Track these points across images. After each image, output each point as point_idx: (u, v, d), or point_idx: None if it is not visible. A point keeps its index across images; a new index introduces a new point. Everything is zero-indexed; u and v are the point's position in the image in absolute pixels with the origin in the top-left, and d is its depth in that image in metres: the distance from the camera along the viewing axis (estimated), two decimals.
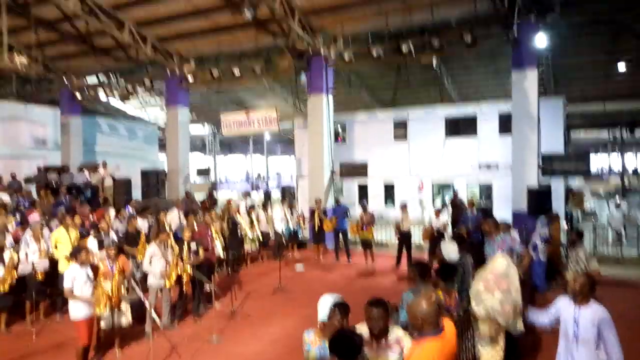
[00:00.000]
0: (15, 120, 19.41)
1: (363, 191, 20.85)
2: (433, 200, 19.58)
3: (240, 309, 8.28)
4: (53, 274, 7.72)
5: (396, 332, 3.26)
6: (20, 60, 12.35)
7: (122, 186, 14.77)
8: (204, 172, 27.92)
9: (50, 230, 8.37)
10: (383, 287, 9.79)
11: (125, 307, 6.21)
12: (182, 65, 16.67)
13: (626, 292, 9.11)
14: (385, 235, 14.27)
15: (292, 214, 13.40)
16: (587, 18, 13.53)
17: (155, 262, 7.19)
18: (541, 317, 4.21)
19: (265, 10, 12.70)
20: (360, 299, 3.54)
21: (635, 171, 39.43)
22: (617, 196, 18.33)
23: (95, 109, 22.79)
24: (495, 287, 4.41)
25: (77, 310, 5.69)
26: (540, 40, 11.56)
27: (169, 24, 14.95)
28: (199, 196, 16.95)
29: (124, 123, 24.62)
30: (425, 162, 19.50)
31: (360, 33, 14.21)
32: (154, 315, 6.24)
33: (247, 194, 16.65)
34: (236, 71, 15.62)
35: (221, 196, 21.12)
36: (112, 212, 10.40)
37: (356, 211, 14.10)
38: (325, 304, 3.47)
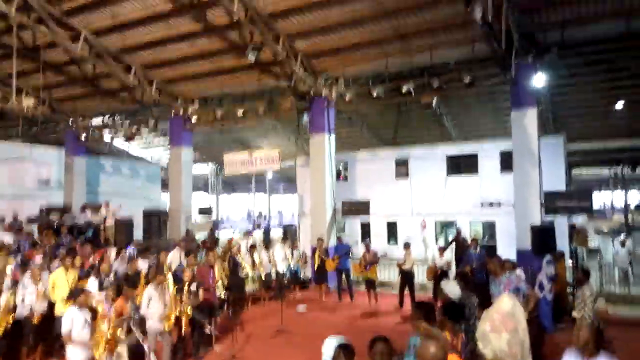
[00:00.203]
0: (20, 160, 19.59)
1: (365, 229, 20.74)
2: (436, 238, 19.44)
3: (241, 352, 8.08)
4: (50, 317, 7.57)
5: None
6: (28, 102, 12.60)
7: (124, 226, 14.76)
8: (205, 212, 27.88)
9: (51, 272, 8.27)
10: (387, 328, 9.57)
11: (122, 349, 6.08)
12: (186, 106, 17.00)
13: (638, 332, 8.90)
14: (388, 274, 14.09)
15: (293, 253, 13.29)
16: (585, 58, 13.83)
17: (153, 304, 7.05)
18: None
19: (268, 54, 13.04)
20: (364, 340, 3.48)
21: (638, 207, 39.26)
22: (622, 234, 18.17)
23: (99, 150, 23.05)
24: (502, 327, 4.32)
25: (75, 355, 5.57)
26: (538, 80, 11.77)
27: (174, 67, 15.34)
28: (201, 235, 16.88)
29: (127, 163, 24.83)
30: (428, 200, 19.48)
31: (361, 74, 14.53)
32: (153, 359, 6.10)
33: (248, 233, 16.58)
34: (239, 112, 15.92)
35: (223, 235, 21.01)
36: (113, 253, 10.33)
37: (359, 250, 13.99)
38: (329, 346, 3.41)
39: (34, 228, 14.62)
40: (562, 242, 14.49)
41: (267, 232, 18.59)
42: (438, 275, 10.74)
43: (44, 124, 20.43)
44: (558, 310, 9.25)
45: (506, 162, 16.10)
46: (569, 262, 12.80)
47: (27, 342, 7.36)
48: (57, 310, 7.53)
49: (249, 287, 12.05)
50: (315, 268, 12.73)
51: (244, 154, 17.60)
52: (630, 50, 12.90)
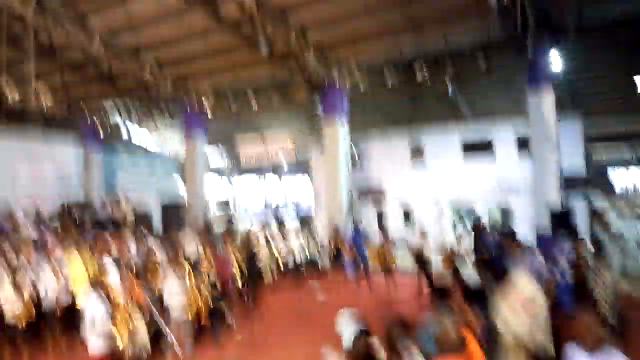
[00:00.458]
0: (39, 158, 19.98)
1: (381, 216, 20.73)
2: (453, 224, 19.34)
3: (260, 338, 8.20)
4: (72, 308, 7.78)
5: (415, 354, 3.23)
6: (46, 101, 12.81)
7: (143, 220, 15.00)
8: (222, 203, 28.11)
9: (71, 261, 8.45)
10: (403, 311, 9.62)
11: (140, 330, 6.16)
12: (201, 101, 17.12)
13: None
14: (405, 261, 14.08)
15: (310, 241, 13.36)
16: (603, 36, 13.53)
17: (174, 294, 7.19)
18: None
19: (281, 46, 13.01)
20: (382, 325, 3.52)
21: None
22: None
23: (116, 146, 23.35)
24: (522, 311, 4.33)
25: (97, 345, 5.67)
26: (555, 61, 11.58)
27: (188, 63, 15.44)
28: (219, 227, 17.06)
29: (144, 158, 25.11)
30: (443, 185, 19.35)
31: (375, 63, 14.42)
32: (176, 346, 6.23)
33: (266, 224, 16.71)
34: (254, 103, 15.98)
35: (240, 226, 21.21)
36: (132, 243, 10.51)
37: (375, 237, 14.01)
38: (346, 327, 3.46)
39: (56, 224, 14.95)
40: (582, 226, 14.33)
41: (281, 221, 18.61)
42: (455, 262, 10.70)
43: (62, 122, 20.75)
44: (578, 294, 9.16)
45: (523, 144, 15.90)
46: (589, 246, 12.65)
47: (51, 333, 7.59)
48: (79, 302, 7.71)
49: (267, 273, 12.15)
50: (332, 256, 12.79)
51: (259, 144, 17.67)
52: None
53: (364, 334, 3.38)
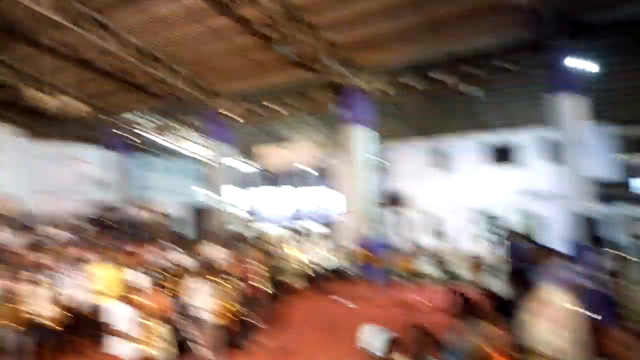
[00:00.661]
0: (70, 160, 20.51)
1: (405, 222, 20.53)
2: (481, 232, 19.03)
3: (286, 345, 8.20)
4: (99, 310, 7.89)
5: None
6: (78, 104, 13.14)
7: (172, 222, 15.20)
8: (247, 206, 28.35)
9: (100, 267, 8.62)
10: (430, 321, 9.49)
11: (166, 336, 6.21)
12: (224, 103, 17.30)
13: None
14: (431, 268, 13.92)
15: (336, 248, 13.33)
16: (633, 39, 13.14)
17: (201, 298, 7.25)
18: None
19: (302, 47, 13.05)
20: (406, 332, 3.49)
21: None
22: None
23: (145, 148, 23.80)
24: (554, 324, 4.22)
25: (121, 349, 5.71)
26: (583, 64, 11.30)
27: (209, 64, 15.55)
28: (244, 229, 17.19)
29: (172, 161, 25.54)
30: (471, 193, 19.08)
31: (397, 65, 14.33)
32: (203, 350, 6.27)
33: (292, 230, 16.76)
34: (276, 107, 16.07)
35: (266, 229, 21.31)
36: (159, 248, 10.66)
37: (401, 244, 13.89)
38: (375, 338, 3.43)
39: (88, 226, 15.29)
40: (616, 234, 13.93)
41: (307, 228, 18.64)
42: (482, 269, 10.53)
43: (88, 124, 21.24)
44: (613, 305, 8.90)
45: (552, 151, 15.59)
46: (621, 255, 12.28)
47: (78, 335, 7.73)
48: (106, 305, 7.84)
49: (292, 280, 12.16)
50: (358, 262, 12.73)
51: (282, 150, 17.77)
52: None
53: (394, 342, 3.35)
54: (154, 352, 6.03)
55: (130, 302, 5.93)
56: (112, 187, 20.71)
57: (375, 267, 12.56)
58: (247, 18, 12.55)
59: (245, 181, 38.12)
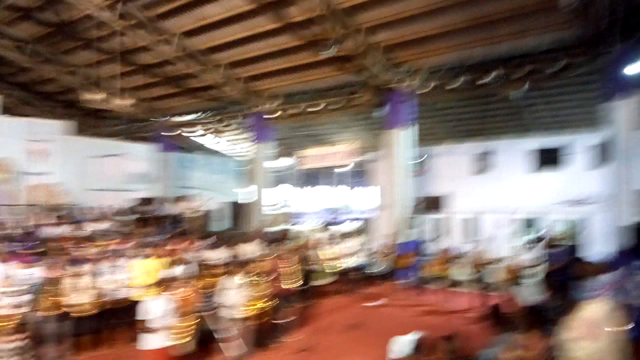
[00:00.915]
0: (117, 156, 21.37)
1: (443, 225, 20.19)
2: (518, 236, 18.48)
3: (313, 344, 8.24)
4: (135, 303, 8.14)
5: None
6: (126, 102, 13.65)
7: (209, 217, 15.57)
8: (284, 204, 28.69)
9: (139, 261, 8.88)
10: (459, 328, 9.33)
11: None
12: (268, 102, 17.57)
13: None
14: (465, 273, 13.64)
15: (368, 246, 13.28)
16: None
17: (231, 294, 7.36)
18: None
19: (347, 47, 13.06)
20: (436, 340, 3.46)
21: None
22: None
23: (186, 146, 24.49)
24: (590, 335, 4.07)
25: (154, 341, 5.81)
26: (637, 68, 10.77)
27: (255, 64, 15.91)
28: (279, 227, 17.39)
29: (213, 158, 26.21)
30: (510, 196, 18.52)
31: (442, 65, 14.12)
32: (230, 346, 6.37)
33: (324, 227, 16.82)
34: (319, 106, 16.16)
35: (299, 227, 21.51)
36: (196, 243, 10.92)
37: (435, 246, 13.68)
38: (402, 343, 3.43)
39: (132, 218, 15.86)
40: None
41: (340, 225, 18.60)
42: (517, 276, 10.23)
43: (140, 122, 22.11)
44: None
45: (597, 156, 14.97)
46: None
47: (114, 325, 8.04)
48: (143, 297, 8.08)
49: (323, 280, 12.21)
50: (391, 264, 12.64)
51: (322, 149, 17.87)
52: None
53: (422, 341, 3.35)
54: (183, 343, 6.15)
55: (166, 295, 6.07)
56: (157, 183, 21.44)
57: (408, 270, 12.42)
58: (290, 19, 12.72)
59: (283, 180, 38.58)
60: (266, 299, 7.76)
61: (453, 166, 19.96)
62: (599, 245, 11.96)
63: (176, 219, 15.68)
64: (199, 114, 21.42)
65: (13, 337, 6.34)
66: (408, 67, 14.38)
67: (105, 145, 21.37)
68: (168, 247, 10.17)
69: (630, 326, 6.64)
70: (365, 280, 13.42)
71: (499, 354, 3.00)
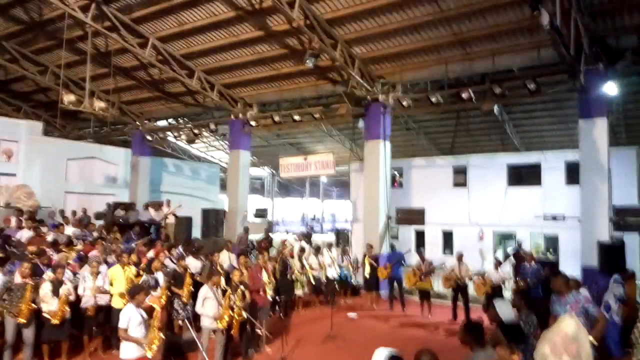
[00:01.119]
0: (90, 159, 20.91)
1: (420, 238, 20.33)
2: (494, 250, 18.73)
3: (290, 355, 8.12)
4: (108, 310, 7.94)
5: None
6: (99, 104, 13.36)
7: (183, 224, 15.27)
8: (261, 213, 28.51)
9: (108, 266, 8.65)
10: (437, 341, 9.34)
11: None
12: (246, 111, 17.47)
13: None
14: (441, 285, 13.71)
15: (344, 258, 13.23)
16: None
17: (208, 304, 7.20)
18: None
19: (326, 60, 13.14)
20: (412, 351, 3.41)
21: None
22: None
23: (162, 150, 24.13)
24: (563, 351, 4.06)
25: (129, 351, 5.68)
26: (610, 88, 11.07)
27: (235, 72, 15.83)
28: (256, 236, 17.20)
29: (188, 164, 25.86)
30: (486, 211, 18.80)
31: (419, 80, 14.31)
32: (206, 356, 6.23)
33: (301, 236, 16.71)
34: (296, 116, 16.17)
35: (277, 237, 21.38)
36: (172, 251, 10.66)
37: (412, 259, 13.72)
38: (381, 357, 3.37)
39: (101, 223, 15.47)
40: (634, 262, 13.56)
41: (308, 235, 18.45)
42: (492, 290, 10.31)
43: (113, 125, 21.70)
44: (626, 335, 8.61)
45: (572, 174, 15.33)
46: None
47: (87, 332, 7.83)
48: (114, 304, 7.90)
49: (300, 291, 12.09)
50: (367, 275, 12.61)
51: (300, 158, 17.85)
52: None
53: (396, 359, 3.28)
54: (156, 353, 5.96)
55: (139, 304, 5.88)
56: (130, 187, 21.03)
57: (388, 281, 12.41)
58: (272, 28, 12.71)
59: (263, 189, 38.43)
60: (244, 308, 7.60)
61: (431, 179, 20.19)
62: (574, 261, 12.16)
63: (150, 225, 15.33)
64: (175, 119, 21.20)
65: None
66: (387, 80, 14.52)
67: (79, 148, 20.91)
68: (140, 254, 9.93)
69: (607, 340, 6.75)
70: (345, 291, 13.34)
71: None
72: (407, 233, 20.46)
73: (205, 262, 10.09)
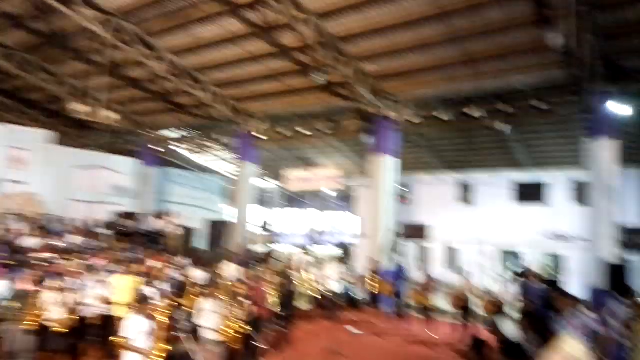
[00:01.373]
0: (99, 168, 21.07)
1: (425, 254, 20.23)
2: (499, 268, 18.57)
3: None
4: (111, 319, 7.91)
5: None
6: (111, 115, 13.55)
7: (190, 235, 15.35)
8: (266, 225, 28.50)
9: (116, 277, 8.67)
10: (440, 358, 9.27)
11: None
12: (255, 124, 17.62)
13: None
14: (446, 302, 13.62)
15: (348, 273, 13.20)
16: None
17: (209, 315, 7.18)
18: None
19: (336, 75, 13.25)
20: None
21: None
22: None
23: (170, 161, 24.28)
24: None
25: None
26: (619, 109, 11.09)
27: (245, 86, 15.99)
28: (261, 248, 17.22)
29: (195, 175, 25.98)
30: (491, 228, 18.71)
31: (428, 97, 14.38)
32: None
33: (306, 250, 16.71)
34: (305, 131, 16.27)
35: (281, 250, 21.38)
36: (175, 261, 10.71)
37: (416, 275, 13.65)
38: None
39: (109, 232, 15.57)
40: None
41: (321, 249, 18.47)
42: (497, 309, 10.23)
43: (124, 136, 21.92)
44: (624, 356, 8.50)
45: (579, 193, 15.26)
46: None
47: (89, 341, 7.82)
48: (117, 313, 7.86)
49: (303, 304, 12.05)
50: (370, 290, 12.56)
51: (307, 172, 17.92)
52: None
53: None
54: None
55: (144, 314, 5.88)
56: (139, 197, 21.16)
57: (387, 296, 12.35)
58: (284, 44, 12.88)
59: (268, 201, 38.44)
60: (246, 321, 7.60)
61: (437, 196, 20.16)
62: (579, 281, 12.07)
63: (156, 236, 15.41)
64: (185, 130, 21.38)
65: None
66: (396, 97, 14.62)
67: (87, 157, 21.08)
68: (146, 264, 9.98)
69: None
70: (348, 305, 13.29)
71: None
72: (413, 249, 20.37)
73: (210, 274, 10.11)
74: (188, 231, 15.56)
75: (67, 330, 7.36)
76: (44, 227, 13.24)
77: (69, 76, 17.14)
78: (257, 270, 10.33)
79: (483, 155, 21.03)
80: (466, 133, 18.67)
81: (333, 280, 12.62)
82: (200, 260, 10.79)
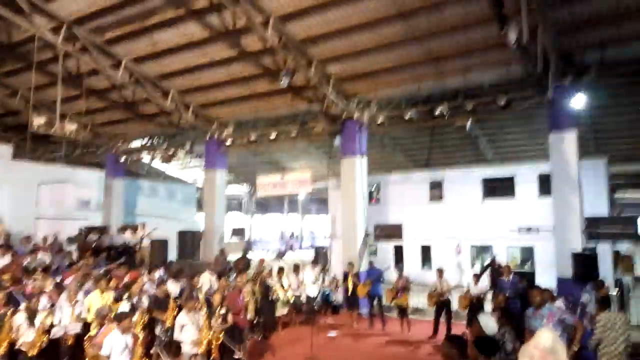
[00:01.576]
0: (62, 182, 20.37)
1: (398, 254, 20.38)
2: (472, 263, 18.90)
3: None
4: (85, 338, 7.66)
5: None
6: (71, 126, 13.12)
7: (159, 247, 15.00)
8: (239, 232, 28.22)
9: (86, 292, 8.41)
10: (418, 357, 9.32)
11: None
12: (221, 130, 17.39)
13: None
14: (421, 301, 13.73)
15: (324, 277, 13.14)
16: (626, 78, 13.37)
17: (187, 329, 7.04)
18: None
19: (301, 78, 13.20)
20: None
21: None
22: None
23: (137, 172, 23.73)
24: None
25: None
26: (577, 102, 11.42)
27: (209, 92, 15.75)
28: (234, 256, 16.98)
29: (163, 185, 25.49)
30: (463, 224, 19.02)
31: (393, 97, 14.49)
32: None
33: (280, 255, 16.58)
34: (272, 135, 16.17)
35: (255, 256, 21.18)
36: (148, 274, 10.42)
37: (391, 275, 13.71)
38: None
39: (74, 248, 15.07)
40: (606, 270, 13.87)
41: (295, 254, 18.40)
42: (472, 304, 10.36)
43: (86, 148, 21.28)
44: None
45: (545, 185, 15.65)
46: (613, 291, 12.18)
47: None
48: (92, 332, 7.62)
49: (280, 311, 11.93)
50: (347, 293, 12.54)
51: (276, 176, 17.79)
52: None
53: None
54: None
55: (124, 331, 5.70)
56: (104, 210, 20.57)
57: (363, 298, 12.35)
58: (246, 48, 12.74)
59: (239, 207, 38.10)
60: (221, 330, 7.45)
61: (407, 194, 20.35)
62: (549, 272, 12.35)
63: (124, 249, 15.00)
64: (149, 139, 20.91)
65: None
66: (361, 98, 14.68)
67: (47, 171, 20.35)
68: (119, 278, 9.68)
69: (580, 350, 6.83)
70: (325, 309, 13.22)
71: None
72: (386, 249, 20.50)
73: (185, 286, 9.89)
74: (159, 243, 15.18)
75: (40, 353, 7.04)
76: (10, 246, 12.67)
77: (25, 88, 16.53)
78: (233, 279, 10.15)
79: (452, 152, 21.43)
80: (434, 131, 18.97)
81: (309, 285, 12.52)
82: (176, 272, 10.51)
